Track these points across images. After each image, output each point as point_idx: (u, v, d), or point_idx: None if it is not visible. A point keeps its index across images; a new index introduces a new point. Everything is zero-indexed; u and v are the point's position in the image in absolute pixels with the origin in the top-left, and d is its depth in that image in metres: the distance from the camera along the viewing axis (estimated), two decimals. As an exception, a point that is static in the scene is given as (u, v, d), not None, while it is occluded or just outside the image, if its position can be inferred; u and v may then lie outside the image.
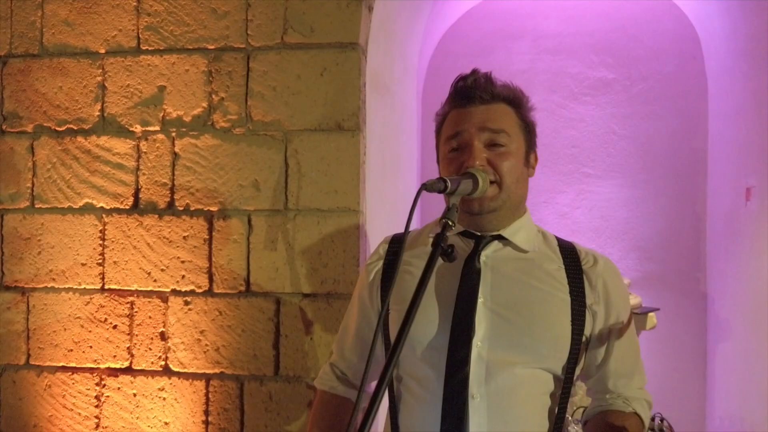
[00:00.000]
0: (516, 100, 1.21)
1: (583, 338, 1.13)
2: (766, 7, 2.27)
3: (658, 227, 2.92)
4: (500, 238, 1.18)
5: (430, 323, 1.13)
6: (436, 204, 1.25)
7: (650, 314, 2.33)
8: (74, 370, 1.89)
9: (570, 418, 2.03)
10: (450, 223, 0.96)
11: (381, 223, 1.99)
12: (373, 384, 1.30)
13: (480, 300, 1.11)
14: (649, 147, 2.94)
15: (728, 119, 2.69)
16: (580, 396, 2.34)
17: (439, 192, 0.98)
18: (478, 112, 1.15)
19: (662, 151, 2.92)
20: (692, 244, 2.90)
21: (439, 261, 1.10)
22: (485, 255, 1.16)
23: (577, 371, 1.17)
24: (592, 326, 1.14)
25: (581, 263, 1.17)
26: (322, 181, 1.80)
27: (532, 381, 1.09)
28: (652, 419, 1.97)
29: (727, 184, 2.68)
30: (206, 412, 1.82)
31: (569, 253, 1.18)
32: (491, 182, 1.11)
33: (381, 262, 1.25)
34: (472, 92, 1.17)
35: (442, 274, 1.16)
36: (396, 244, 1.26)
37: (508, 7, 3.09)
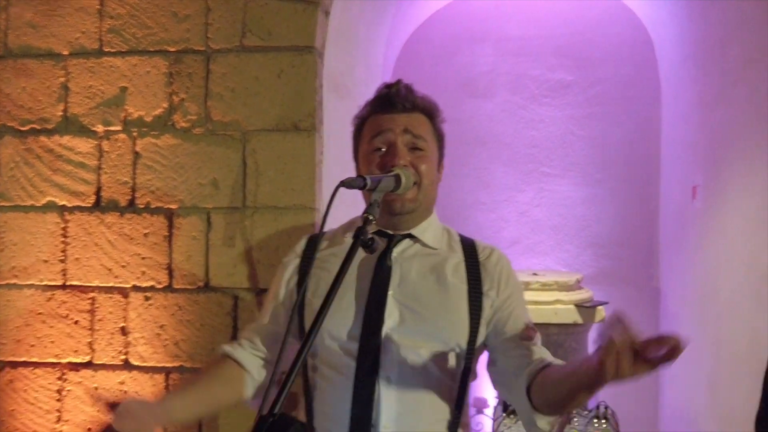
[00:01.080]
0: (432, 112, 1.31)
1: (482, 321, 1.23)
2: (712, 13, 2.38)
3: (614, 225, 3.03)
4: (410, 236, 1.28)
5: (346, 315, 1.22)
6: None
7: (599, 307, 2.43)
8: (36, 365, 1.93)
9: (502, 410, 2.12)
10: (371, 217, 1.04)
11: (338, 220, 2.06)
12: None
13: (390, 293, 1.21)
14: (606, 147, 3.05)
15: (678, 120, 2.80)
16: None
17: (359, 189, 1.06)
18: (401, 118, 1.25)
19: (618, 151, 3.03)
20: (645, 241, 3.01)
21: (357, 258, 1.19)
22: (396, 252, 1.26)
23: (475, 360, 1.25)
24: (490, 309, 1.24)
25: (479, 256, 1.28)
26: (279, 180, 1.86)
27: (437, 364, 1.19)
28: (597, 407, 2.06)
29: (677, 183, 2.80)
30: (166, 404, 1.88)
31: (469, 248, 1.29)
32: (413, 182, 1.20)
33: (298, 260, 1.34)
34: (394, 100, 1.26)
35: (357, 270, 1.25)
36: (312, 244, 1.36)
37: (471, 11, 3.18)
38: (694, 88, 2.61)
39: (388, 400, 1.16)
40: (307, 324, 1.25)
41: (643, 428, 2.92)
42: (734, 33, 2.20)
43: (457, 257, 1.27)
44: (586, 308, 2.37)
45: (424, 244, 1.28)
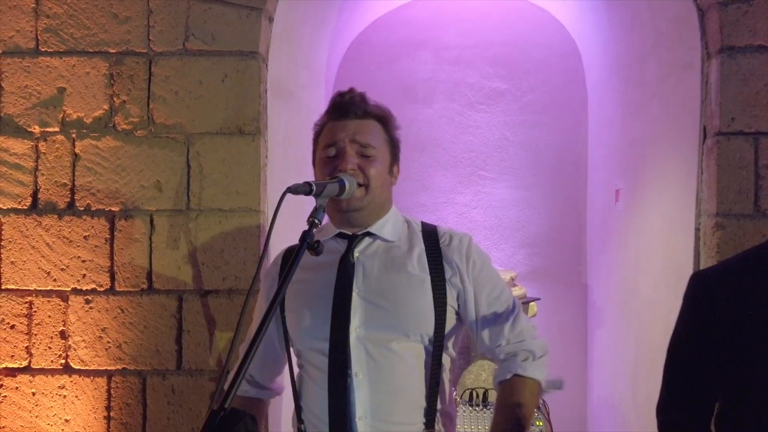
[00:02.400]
0: (385, 119, 1.38)
1: (448, 308, 1.29)
2: (632, 30, 2.57)
3: (545, 225, 3.20)
4: (370, 234, 1.34)
5: (315, 316, 1.29)
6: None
7: (531, 303, 2.57)
8: (-32, 372, 1.87)
9: (459, 399, 2.22)
10: (316, 222, 1.09)
11: (284, 222, 2.10)
12: (279, 379, 1.43)
13: (354, 291, 1.28)
14: (537, 152, 3.22)
15: (603, 128, 3.00)
16: (472, 379, 2.55)
17: (305, 194, 1.11)
18: (353, 125, 1.32)
19: (548, 156, 3.21)
20: (574, 241, 3.20)
21: (319, 262, 1.25)
22: (357, 251, 1.33)
23: (449, 343, 1.32)
24: (455, 296, 1.31)
25: (440, 243, 1.33)
26: (224, 183, 1.89)
27: (406, 355, 1.26)
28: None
29: (602, 187, 2.99)
30: (108, 408, 1.86)
31: (430, 236, 1.35)
32: (359, 185, 1.26)
33: (277, 268, 1.42)
34: (347, 107, 1.33)
35: (322, 272, 1.32)
36: (288, 255, 1.41)
37: (411, 19, 3.28)
38: (617, 98, 2.80)
39: (361, 392, 1.23)
40: (290, 333, 1.34)
41: (574, 416, 3.10)
42: (651, 50, 2.39)
43: (419, 247, 1.33)
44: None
45: (384, 239, 1.34)
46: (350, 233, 1.34)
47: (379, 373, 1.24)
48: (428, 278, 1.29)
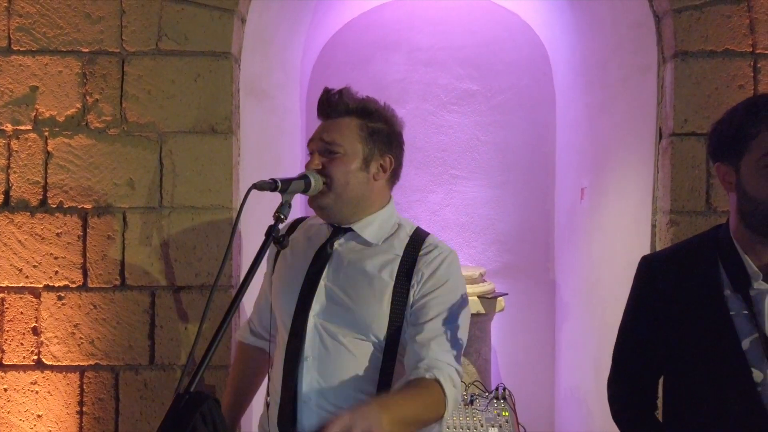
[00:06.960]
0: (363, 111, 1.37)
1: (406, 315, 1.29)
2: (595, 30, 2.66)
3: (514, 223, 3.28)
4: (350, 230, 1.37)
5: (289, 295, 1.35)
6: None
7: (499, 298, 2.65)
8: (-61, 368, 1.88)
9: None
10: (281, 216, 1.14)
11: (257, 219, 2.14)
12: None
13: (323, 281, 1.32)
14: (507, 152, 3.29)
15: (570, 128, 3.09)
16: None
17: (271, 191, 1.16)
18: (325, 125, 1.37)
19: (518, 155, 3.29)
20: (542, 238, 3.29)
21: (304, 246, 1.37)
22: (337, 243, 1.37)
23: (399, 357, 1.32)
24: (411, 302, 1.30)
25: (420, 251, 1.32)
26: (197, 180, 1.92)
27: (356, 351, 1.31)
28: (496, 388, 2.25)
29: (568, 185, 3.08)
30: (80, 403, 1.89)
31: (414, 244, 1.34)
32: (324, 183, 1.31)
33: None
34: (321, 108, 1.38)
35: (303, 256, 1.38)
36: (291, 228, 1.48)
37: (384, 21, 3.33)
38: (583, 99, 2.89)
39: (310, 375, 1.29)
40: (273, 302, 1.44)
41: (541, 408, 3.19)
42: (613, 54, 2.48)
43: (396, 254, 1.33)
44: (488, 299, 2.57)
45: (362, 239, 1.35)
46: (336, 225, 1.37)
47: (328, 361, 1.29)
48: (392, 284, 1.30)
